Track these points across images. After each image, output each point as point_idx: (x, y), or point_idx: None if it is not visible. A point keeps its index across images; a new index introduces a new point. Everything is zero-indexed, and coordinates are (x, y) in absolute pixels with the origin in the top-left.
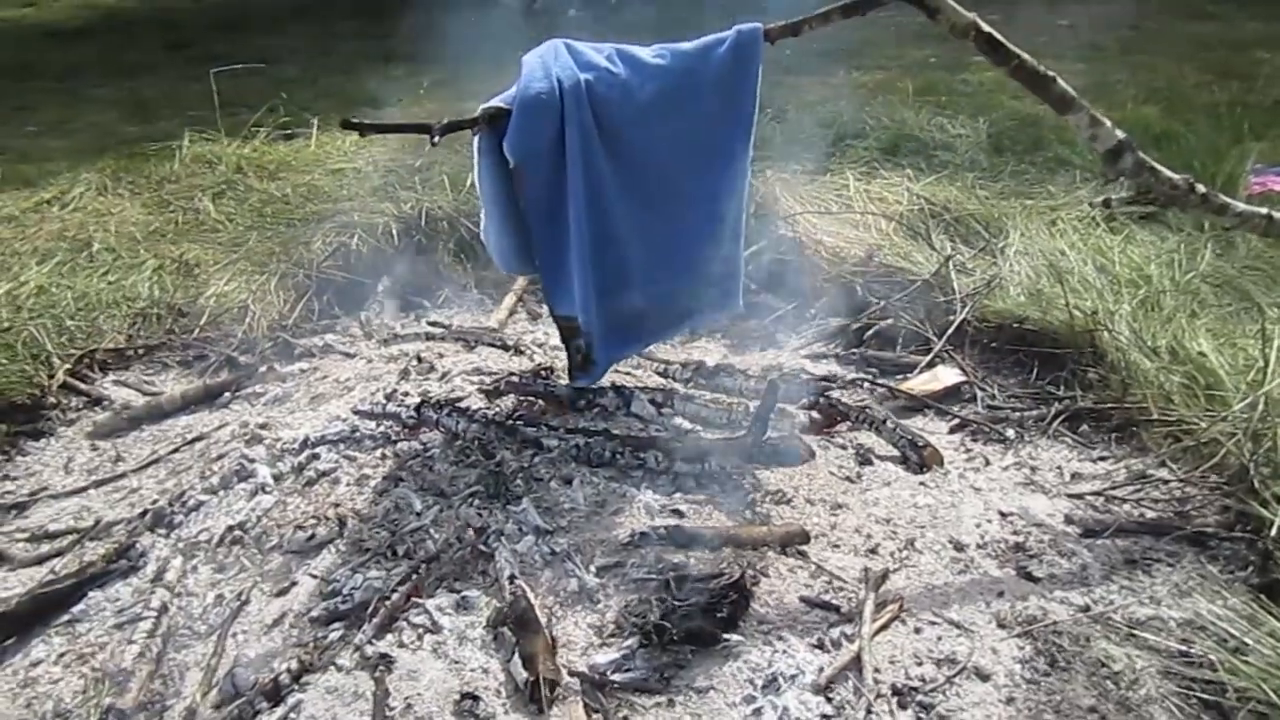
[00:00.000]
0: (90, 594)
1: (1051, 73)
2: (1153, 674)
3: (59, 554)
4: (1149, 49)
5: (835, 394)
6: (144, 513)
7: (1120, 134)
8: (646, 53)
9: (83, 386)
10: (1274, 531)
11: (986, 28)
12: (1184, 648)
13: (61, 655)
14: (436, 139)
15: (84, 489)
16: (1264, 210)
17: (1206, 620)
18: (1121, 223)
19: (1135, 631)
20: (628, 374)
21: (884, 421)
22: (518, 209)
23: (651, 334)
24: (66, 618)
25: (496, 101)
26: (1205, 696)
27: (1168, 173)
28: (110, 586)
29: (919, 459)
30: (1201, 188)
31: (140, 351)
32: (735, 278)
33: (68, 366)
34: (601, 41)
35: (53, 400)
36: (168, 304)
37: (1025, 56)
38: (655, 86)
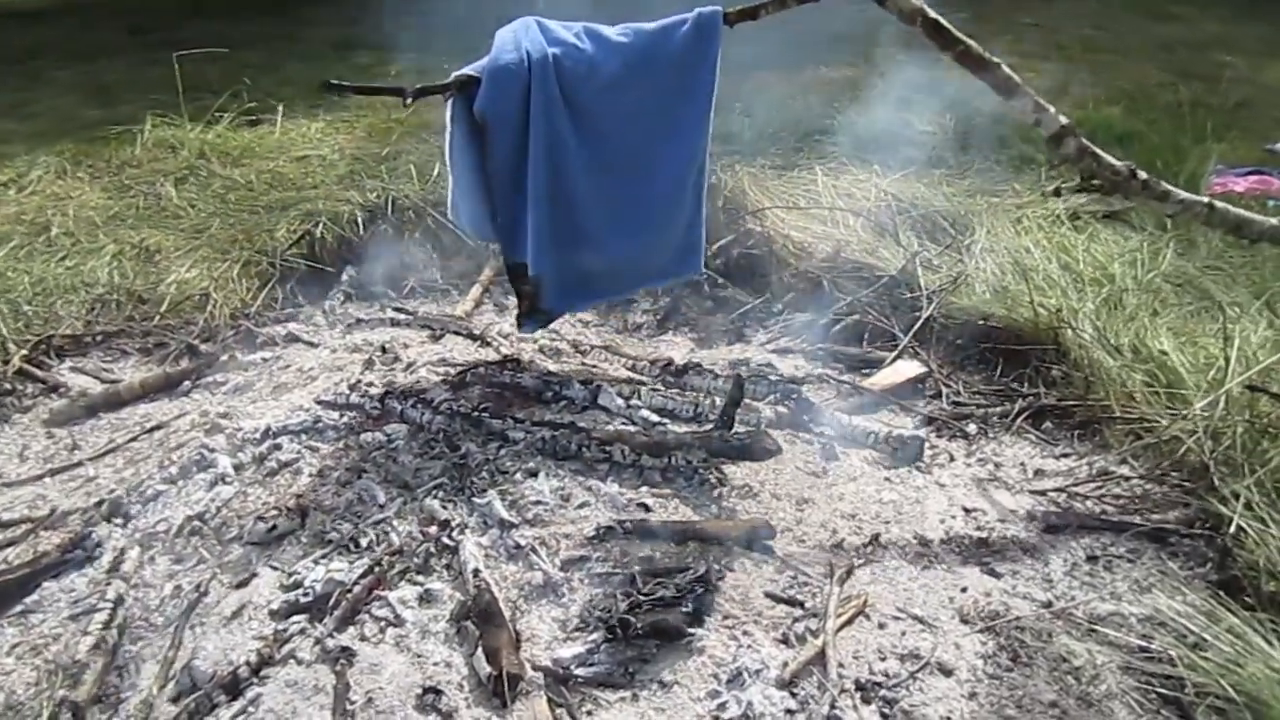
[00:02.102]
0: (44, 584)
1: (995, 58)
2: (1113, 669)
3: (12, 543)
4: (1112, 49)
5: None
6: (100, 502)
7: (1064, 119)
8: (612, 31)
9: (39, 373)
10: (1233, 528)
11: (932, 14)
12: (1144, 643)
13: (14, 647)
14: (409, 101)
15: (39, 477)
16: (1205, 199)
17: (1166, 616)
18: (1085, 221)
19: (1096, 627)
20: (595, 367)
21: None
22: (488, 174)
23: (608, 290)
24: (20, 608)
25: (468, 70)
26: (1165, 692)
27: (1109, 158)
28: (65, 577)
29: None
30: (1143, 174)
31: (99, 338)
32: (697, 244)
33: (24, 353)
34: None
35: (8, 386)
36: (127, 290)
37: (970, 42)
38: (619, 62)
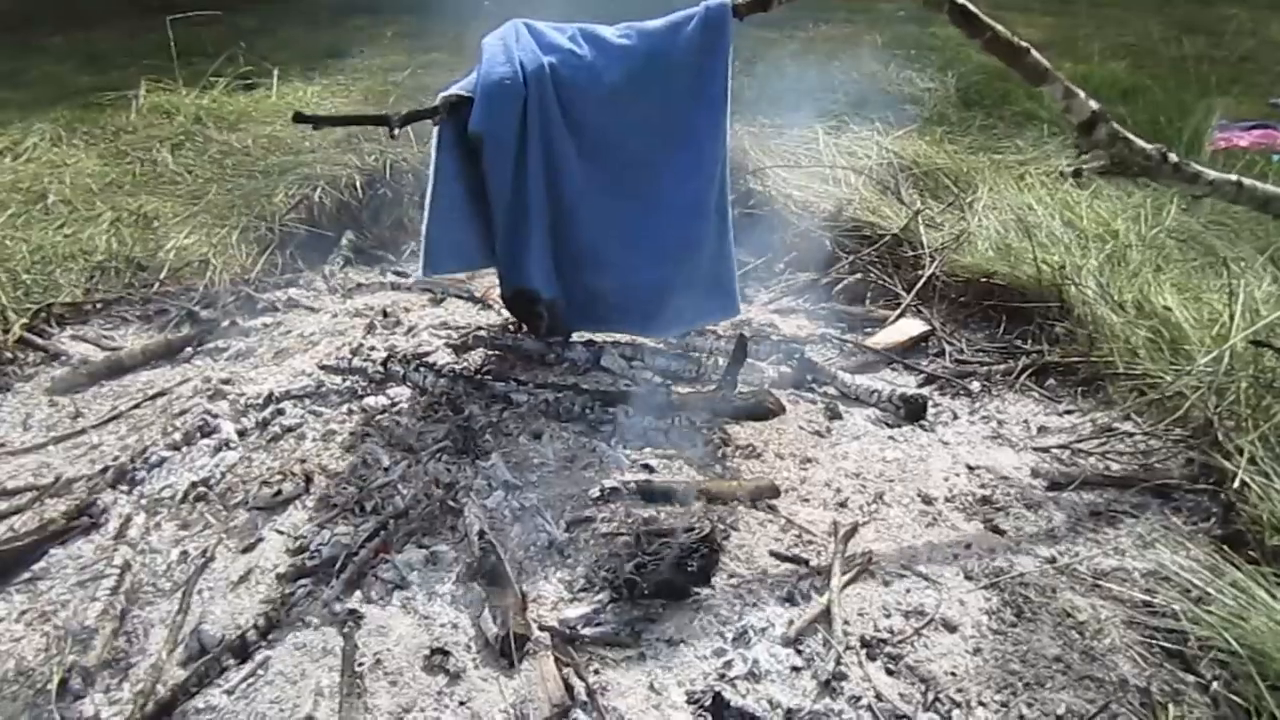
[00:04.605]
0: (51, 551)
1: (1025, 44)
2: (1117, 624)
3: (18, 511)
4: (1117, 2)
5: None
6: (105, 469)
7: (1094, 105)
8: (611, 32)
9: (40, 341)
10: (1236, 483)
11: None
12: (1147, 598)
13: (23, 613)
14: (396, 132)
15: (43, 445)
16: (1234, 178)
17: (1170, 571)
18: (1089, 178)
19: (1100, 582)
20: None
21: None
22: (480, 197)
23: (635, 327)
24: (27, 575)
25: (457, 89)
26: (1168, 645)
27: (1141, 143)
28: (72, 544)
29: (912, 411)
30: (1174, 157)
31: (98, 306)
32: (727, 277)
33: (24, 321)
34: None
35: (9, 355)
36: (126, 257)
37: (999, 28)
38: (621, 69)
